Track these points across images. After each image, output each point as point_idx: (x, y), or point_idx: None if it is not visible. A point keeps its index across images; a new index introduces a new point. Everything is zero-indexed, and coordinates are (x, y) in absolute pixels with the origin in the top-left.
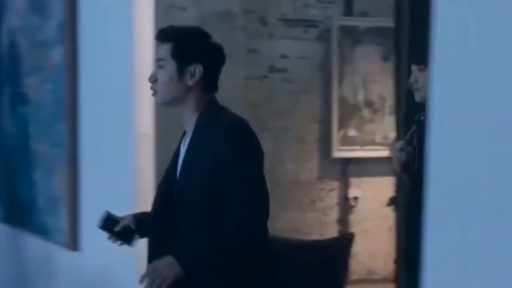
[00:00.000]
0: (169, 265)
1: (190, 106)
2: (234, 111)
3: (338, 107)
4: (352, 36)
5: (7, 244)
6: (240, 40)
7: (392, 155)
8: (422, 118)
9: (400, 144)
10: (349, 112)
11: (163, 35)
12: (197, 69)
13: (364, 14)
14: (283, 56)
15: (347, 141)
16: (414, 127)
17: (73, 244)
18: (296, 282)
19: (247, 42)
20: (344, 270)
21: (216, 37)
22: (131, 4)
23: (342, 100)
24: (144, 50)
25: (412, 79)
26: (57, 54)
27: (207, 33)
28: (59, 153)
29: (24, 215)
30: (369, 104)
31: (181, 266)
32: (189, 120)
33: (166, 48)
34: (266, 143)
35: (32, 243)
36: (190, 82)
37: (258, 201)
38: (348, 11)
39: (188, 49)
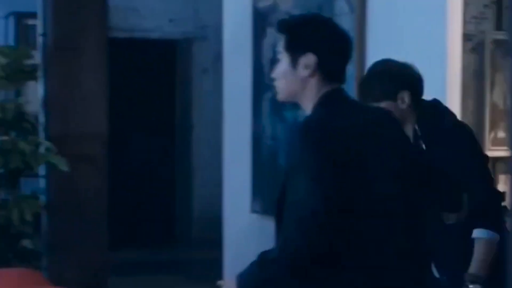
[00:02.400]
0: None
1: (306, 101)
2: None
3: (490, 112)
4: (503, 48)
5: (269, 235)
6: None
7: None
8: None
9: None
10: (499, 116)
11: (278, 27)
12: (310, 60)
13: None
14: None
15: (497, 142)
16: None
17: None
18: None
19: None
20: None
21: None
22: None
23: (493, 105)
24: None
25: None
26: None
27: (324, 20)
28: None
29: None
30: None
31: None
32: None
33: (281, 40)
34: None
35: None
36: (304, 74)
37: (299, 226)
38: (499, 26)
39: (298, 39)
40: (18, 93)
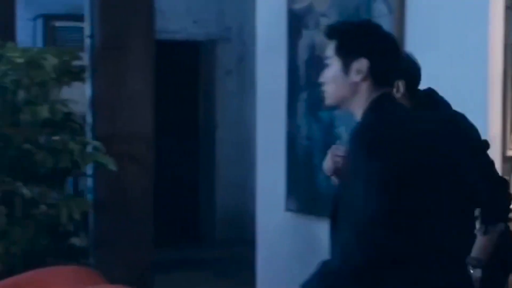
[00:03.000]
0: None
1: (356, 106)
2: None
3: (511, 113)
4: None
5: (303, 233)
6: None
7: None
8: None
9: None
10: None
11: (328, 32)
12: (363, 64)
13: None
14: None
15: None
16: None
17: None
18: None
19: None
20: None
21: None
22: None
23: None
24: (496, 48)
25: None
26: None
27: (374, 25)
28: None
29: (324, 205)
30: None
31: None
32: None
33: (331, 46)
34: None
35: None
36: (356, 79)
37: (359, 233)
38: None
39: (350, 44)
40: (46, 94)
